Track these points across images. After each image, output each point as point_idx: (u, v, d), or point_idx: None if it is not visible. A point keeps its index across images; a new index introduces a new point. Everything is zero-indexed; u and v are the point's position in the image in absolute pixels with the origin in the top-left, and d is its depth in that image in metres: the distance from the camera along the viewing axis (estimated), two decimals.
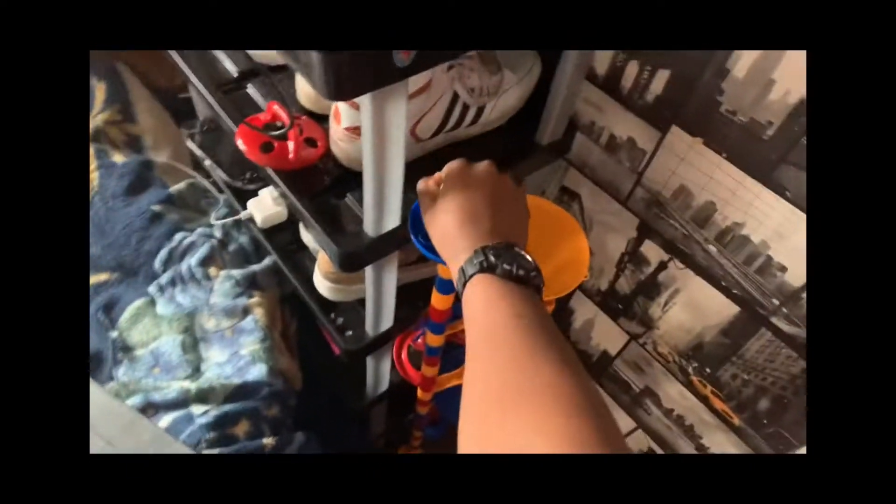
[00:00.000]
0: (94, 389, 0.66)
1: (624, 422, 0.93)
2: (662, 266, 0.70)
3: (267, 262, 0.86)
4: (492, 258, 0.36)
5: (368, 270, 0.57)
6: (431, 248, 0.48)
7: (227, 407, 0.67)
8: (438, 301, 0.61)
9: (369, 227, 0.51)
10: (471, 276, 0.36)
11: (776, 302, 0.60)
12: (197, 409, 0.66)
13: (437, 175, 0.46)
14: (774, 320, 0.61)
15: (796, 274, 0.56)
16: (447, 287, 0.59)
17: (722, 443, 0.76)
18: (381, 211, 0.50)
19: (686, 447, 0.83)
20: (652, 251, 0.71)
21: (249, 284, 0.82)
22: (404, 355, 0.84)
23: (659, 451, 0.89)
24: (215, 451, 0.61)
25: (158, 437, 0.62)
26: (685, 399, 0.78)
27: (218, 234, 0.86)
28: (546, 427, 0.27)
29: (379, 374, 0.80)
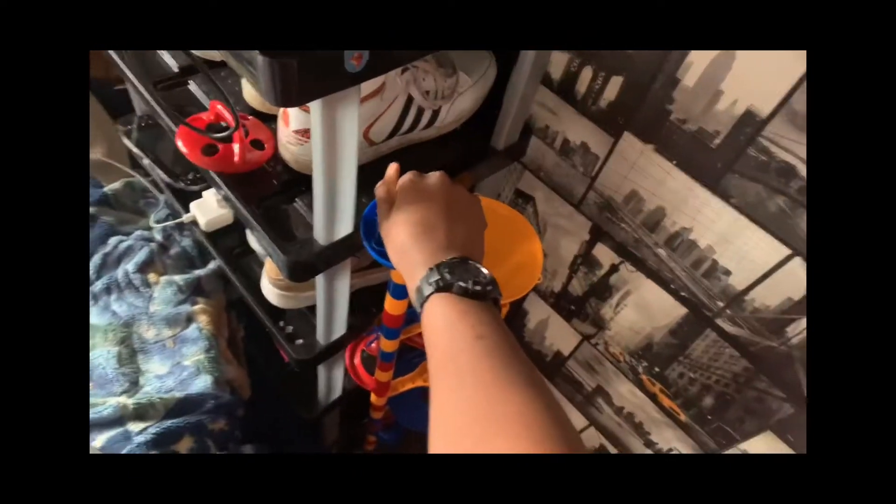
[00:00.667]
0: None
1: (577, 420, 0.95)
2: (614, 269, 0.72)
3: (212, 266, 0.82)
4: (447, 276, 0.35)
5: (319, 278, 0.55)
6: (384, 255, 0.46)
7: (168, 423, 0.63)
8: (392, 306, 0.60)
9: (320, 235, 0.49)
10: (428, 296, 0.35)
11: (721, 304, 0.62)
12: (135, 426, 0.62)
13: (394, 176, 0.44)
14: (719, 321, 0.63)
15: (740, 278, 0.58)
16: (401, 292, 0.57)
17: (669, 438, 0.79)
18: (332, 217, 0.48)
19: (636, 443, 0.85)
20: (604, 254, 0.72)
21: (193, 291, 0.78)
22: (357, 360, 0.82)
23: (611, 448, 0.91)
24: None
25: None
26: (635, 397, 0.80)
27: (158, 237, 0.81)
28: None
29: (331, 381, 0.78)
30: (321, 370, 0.74)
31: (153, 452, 0.59)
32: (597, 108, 0.62)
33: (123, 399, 0.63)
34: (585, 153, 0.66)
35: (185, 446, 0.63)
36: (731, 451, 0.71)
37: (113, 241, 0.77)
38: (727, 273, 0.59)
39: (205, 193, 0.74)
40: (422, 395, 0.97)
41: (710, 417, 0.71)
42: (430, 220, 0.39)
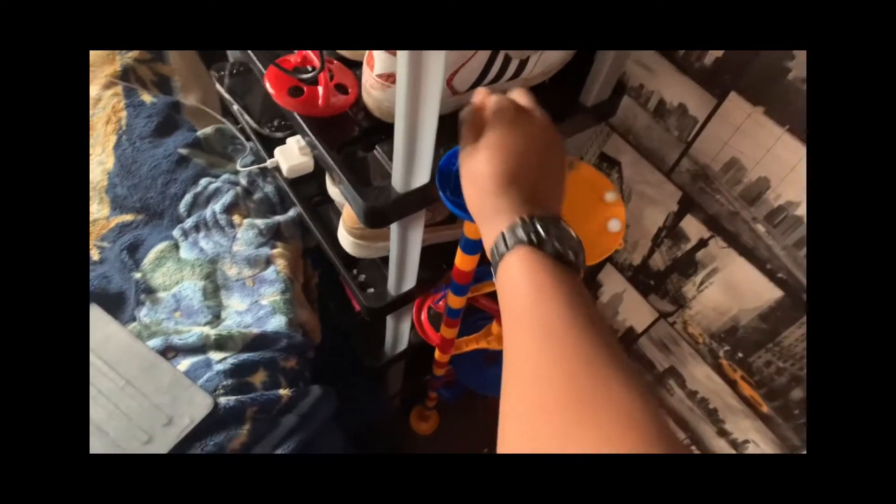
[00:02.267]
0: (117, 329, 0.67)
1: None
2: (702, 243, 0.67)
3: (291, 213, 0.84)
4: (541, 232, 0.31)
5: (394, 228, 0.55)
6: (462, 206, 0.45)
7: (245, 356, 0.66)
8: (463, 262, 0.59)
9: (397, 183, 0.49)
10: (511, 247, 0.32)
11: None
12: (215, 355, 0.66)
13: (486, 100, 0.39)
14: None
15: None
16: (473, 247, 0.56)
17: (746, 429, 0.74)
18: (410, 166, 0.47)
19: (708, 430, 0.81)
20: (692, 227, 0.67)
21: (273, 235, 0.81)
22: (424, 316, 0.83)
23: (679, 432, 0.87)
24: (232, 399, 0.61)
25: (178, 381, 0.62)
26: (712, 382, 0.76)
27: (243, 181, 0.84)
28: (613, 450, 0.23)
29: (398, 333, 0.79)
30: (389, 321, 0.76)
31: (230, 381, 0.63)
32: (700, 65, 0.57)
33: (207, 329, 0.67)
34: (682, 115, 0.61)
35: (258, 379, 0.66)
36: None
37: (203, 181, 0.80)
38: None
39: (288, 141, 0.76)
40: (484, 356, 0.97)
41: (796, 412, 0.66)
42: (524, 161, 0.35)
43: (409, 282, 0.66)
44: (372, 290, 0.68)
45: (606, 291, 0.88)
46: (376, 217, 0.50)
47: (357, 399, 0.94)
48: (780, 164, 0.54)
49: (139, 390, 0.61)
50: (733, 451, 0.78)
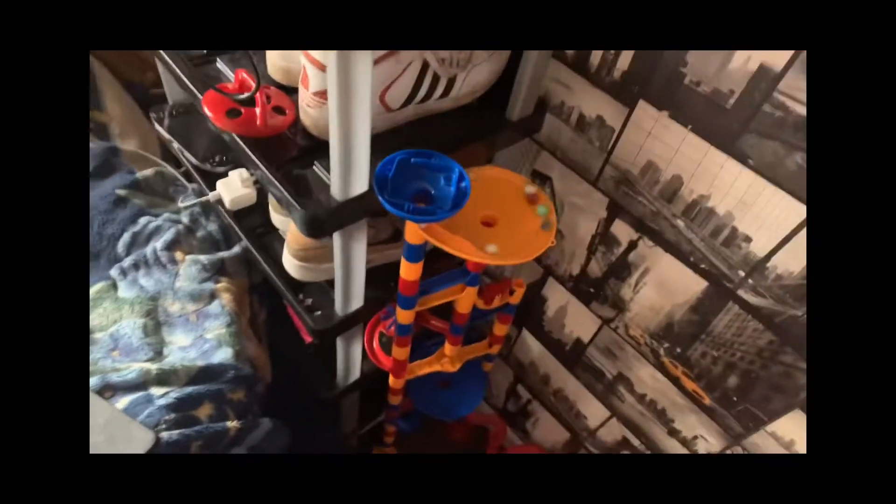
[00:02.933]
0: None
1: (598, 412, 0.93)
2: (632, 245, 0.71)
3: (236, 249, 0.84)
4: None
5: (337, 242, 0.56)
6: (398, 206, 0.47)
7: (190, 389, 0.64)
8: (407, 271, 0.60)
9: (336, 192, 0.51)
10: None
11: (742, 274, 0.60)
12: (157, 390, 0.63)
13: None
14: (741, 293, 0.62)
15: (760, 243, 0.57)
16: (416, 255, 0.58)
17: (694, 424, 0.77)
18: (347, 174, 0.49)
19: (659, 432, 0.83)
20: (622, 230, 0.71)
21: (217, 270, 0.80)
22: (376, 342, 0.82)
23: (633, 439, 0.89)
24: (175, 433, 0.59)
25: (114, 419, 0.59)
26: (657, 382, 0.79)
27: (185, 220, 0.84)
28: None
29: (350, 359, 0.79)
30: (340, 345, 0.75)
31: (173, 416, 0.61)
32: (611, 78, 0.63)
33: (147, 365, 0.65)
34: (601, 126, 0.66)
35: (204, 412, 0.64)
36: (758, 434, 0.68)
37: (143, 220, 0.80)
38: (747, 240, 0.58)
39: (231, 173, 0.77)
40: (439, 382, 0.96)
41: (735, 399, 0.69)
42: None
43: (357, 301, 0.67)
44: (319, 312, 0.68)
45: (551, 305, 0.90)
46: (317, 226, 0.51)
47: (311, 435, 0.91)
48: (688, 161, 0.59)
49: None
50: (685, 450, 0.80)
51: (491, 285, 0.78)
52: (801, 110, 0.49)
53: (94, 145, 0.86)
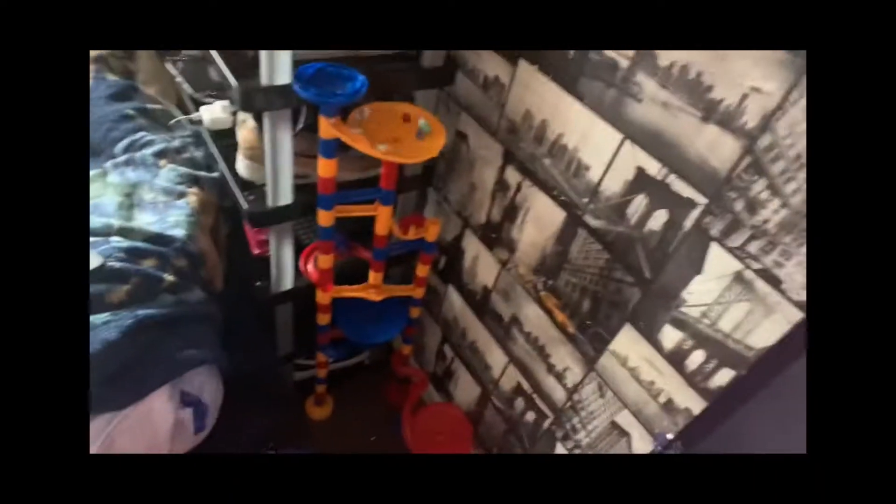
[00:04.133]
0: None
1: (499, 358, 1.04)
2: (518, 188, 0.86)
3: (214, 174, 1.02)
4: None
5: (266, 123, 0.73)
6: (323, 95, 0.65)
7: (140, 244, 0.80)
8: (324, 167, 0.77)
9: (264, 78, 0.69)
10: None
11: (585, 200, 0.74)
12: (116, 240, 0.80)
13: None
14: (586, 218, 0.75)
15: (596, 170, 0.72)
16: (330, 150, 0.74)
17: (563, 356, 0.87)
18: (273, 66, 0.67)
19: (540, 369, 0.93)
20: (512, 175, 0.87)
21: (192, 181, 0.98)
22: (310, 263, 0.97)
23: (525, 382, 0.99)
24: (118, 263, 0.74)
25: None
26: (538, 318, 0.90)
27: (176, 143, 1.03)
28: None
29: (281, 261, 0.94)
30: (272, 241, 0.90)
31: (122, 255, 0.76)
32: None
33: (112, 220, 0.82)
34: (497, 84, 0.84)
35: (148, 263, 0.79)
36: (604, 356, 0.79)
37: (141, 133, 0.99)
38: (588, 168, 0.73)
39: (215, 102, 0.97)
40: (366, 316, 1.09)
41: (588, 323, 0.81)
42: None
43: (285, 197, 0.83)
44: (255, 200, 0.85)
45: (468, 257, 1.04)
46: (249, 100, 0.68)
47: (250, 349, 1.04)
48: (550, 106, 0.75)
49: None
50: (559, 386, 0.90)
51: (405, 217, 0.93)
52: (611, 54, 0.65)
53: (121, 79, 1.07)
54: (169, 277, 0.80)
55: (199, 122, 0.96)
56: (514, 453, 1.08)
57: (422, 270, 1.01)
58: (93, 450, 0.66)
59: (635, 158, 0.66)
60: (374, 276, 0.98)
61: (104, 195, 0.89)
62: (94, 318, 0.68)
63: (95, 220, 0.82)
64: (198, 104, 1.01)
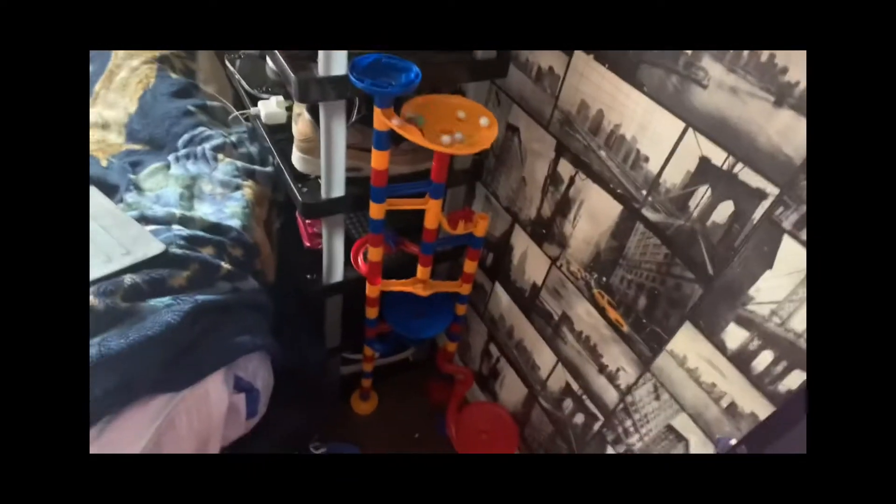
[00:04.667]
0: (105, 201, 0.85)
1: (548, 358, 1.02)
2: (572, 181, 0.84)
3: (269, 168, 1.05)
4: None
5: (321, 113, 0.74)
6: (378, 85, 0.65)
7: (200, 233, 0.83)
8: (377, 159, 0.77)
9: (321, 69, 0.70)
10: None
11: (644, 192, 0.72)
12: (177, 228, 0.83)
13: None
14: (644, 211, 0.73)
15: (655, 161, 0.69)
16: (384, 142, 0.75)
17: (616, 356, 0.85)
18: (329, 60, 0.68)
19: (591, 370, 0.91)
20: (564, 168, 0.85)
21: (247, 175, 1.01)
22: (360, 256, 0.98)
23: (574, 383, 0.97)
24: (180, 250, 0.77)
25: (142, 233, 0.79)
26: (590, 317, 0.88)
27: (233, 138, 1.06)
28: None
29: (332, 252, 0.95)
30: (324, 232, 0.92)
31: (183, 242, 0.79)
32: None
33: (174, 210, 0.85)
34: (551, 75, 0.82)
35: (207, 251, 0.82)
36: (661, 356, 0.76)
37: (201, 128, 1.03)
38: (646, 160, 0.70)
39: (271, 97, 0.99)
40: (414, 311, 1.09)
41: (644, 321, 0.78)
42: None
43: (338, 189, 0.84)
44: (308, 193, 0.86)
45: (517, 253, 1.03)
46: (305, 90, 0.69)
47: (299, 340, 1.06)
48: (606, 95, 0.73)
49: (108, 233, 0.77)
50: (611, 387, 0.88)
51: (454, 212, 0.93)
52: None
53: (181, 78, 1.12)
54: (225, 266, 0.82)
55: (256, 117, 0.98)
56: (560, 454, 1.05)
57: (469, 266, 1.00)
58: (152, 429, 0.68)
59: (699, 148, 0.63)
60: (421, 271, 0.98)
61: (167, 186, 0.92)
62: (157, 302, 0.70)
63: (159, 210, 0.85)
64: (254, 100, 1.04)
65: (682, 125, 0.64)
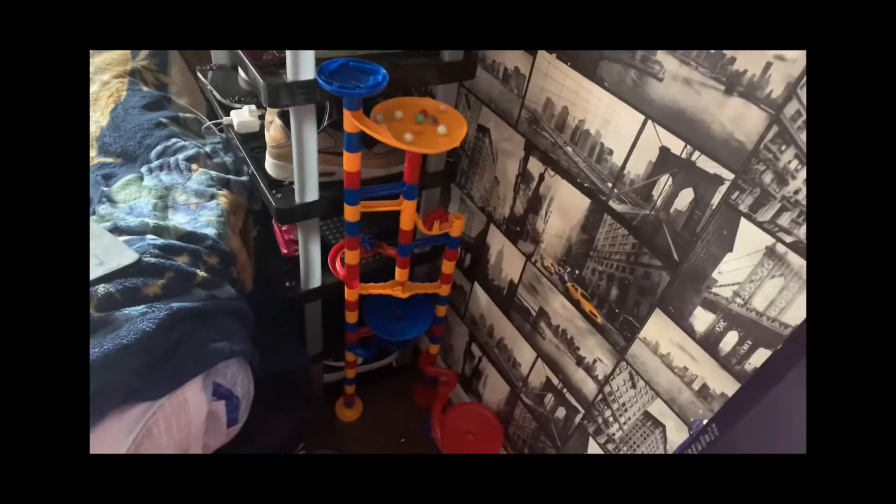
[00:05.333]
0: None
1: (527, 354, 1.03)
2: (541, 178, 0.86)
3: (244, 178, 1.05)
4: None
5: (292, 117, 0.75)
6: (346, 87, 0.66)
7: (174, 241, 0.83)
8: (348, 161, 0.78)
9: (289, 75, 0.71)
10: None
11: (610, 185, 0.74)
12: (151, 237, 0.83)
13: None
14: (611, 203, 0.75)
15: (619, 154, 0.71)
16: (354, 144, 0.76)
17: (592, 347, 0.86)
18: (297, 64, 0.69)
19: (569, 363, 0.92)
20: (534, 166, 0.87)
21: (222, 184, 1.01)
22: (336, 261, 0.99)
23: (554, 377, 0.98)
24: (153, 259, 0.77)
25: (114, 243, 0.78)
26: (566, 310, 0.90)
27: (207, 148, 1.07)
28: None
29: (309, 258, 0.95)
30: (300, 238, 0.92)
31: (157, 251, 0.79)
32: None
33: (148, 220, 0.85)
34: (517, 76, 0.84)
35: (181, 260, 0.82)
36: (635, 344, 0.78)
37: (174, 140, 1.03)
38: (610, 153, 0.72)
39: (244, 107, 1.00)
40: (394, 314, 1.10)
41: (617, 311, 0.79)
42: None
43: (311, 194, 0.85)
44: (283, 199, 0.87)
45: (493, 252, 1.04)
46: (275, 95, 0.70)
47: (279, 348, 1.06)
48: (570, 93, 0.75)
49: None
50: (589, 378, 0.89)
51: (429, 212, 0.94)
52: None
53: (154, 91, 1.12)
54: (201, 273, 0.82)
55: (230, 126, 0.99)
56: (545, 454, 1.06)
57: (447, 267, 1.01)
58: (130, 439, 0.67)
59: (658, 139, 0.65)
60: (399, 273, 0.99)
61: (140, 197, 0.92)
62: (131, 310, 0.70)
63: (132, 220, 0.85)
64: (227, 111, 1.04)
65: (641, 118, 0.67)
